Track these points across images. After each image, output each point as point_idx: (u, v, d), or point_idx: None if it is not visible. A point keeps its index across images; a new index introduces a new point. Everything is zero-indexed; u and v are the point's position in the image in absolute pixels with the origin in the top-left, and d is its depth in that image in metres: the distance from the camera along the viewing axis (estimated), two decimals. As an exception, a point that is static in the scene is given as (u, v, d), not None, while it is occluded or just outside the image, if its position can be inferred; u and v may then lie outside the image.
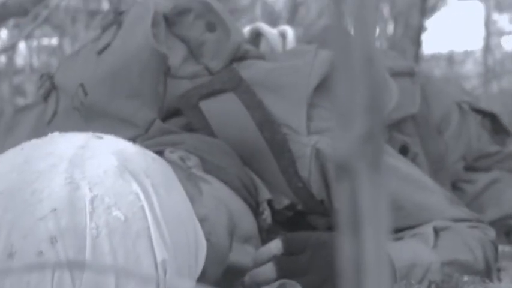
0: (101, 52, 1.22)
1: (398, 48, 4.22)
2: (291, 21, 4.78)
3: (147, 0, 1.26)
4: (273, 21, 5.00)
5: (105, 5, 4.24)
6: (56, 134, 0.91)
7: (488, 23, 5.52)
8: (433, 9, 5.48)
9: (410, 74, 1.49)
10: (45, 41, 4.86)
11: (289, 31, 1.34)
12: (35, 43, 4.64)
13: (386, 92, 1.33)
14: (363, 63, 0.30)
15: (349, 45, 0.35)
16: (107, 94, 1.19)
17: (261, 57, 1.28)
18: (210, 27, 1.24)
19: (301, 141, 1.14)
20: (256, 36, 1.36)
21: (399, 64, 1.50)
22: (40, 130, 1.26)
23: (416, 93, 1.46)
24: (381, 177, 0.25)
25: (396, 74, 1.43)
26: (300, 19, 4.82)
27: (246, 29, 1.36)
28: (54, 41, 4.86)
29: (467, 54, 5.81)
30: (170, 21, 1.24)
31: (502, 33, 6.17)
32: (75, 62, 1.27)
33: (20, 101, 4.14)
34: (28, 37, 2.57)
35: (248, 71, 1.20)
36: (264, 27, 1.34)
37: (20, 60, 4.58)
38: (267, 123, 1.14)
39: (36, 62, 4.73)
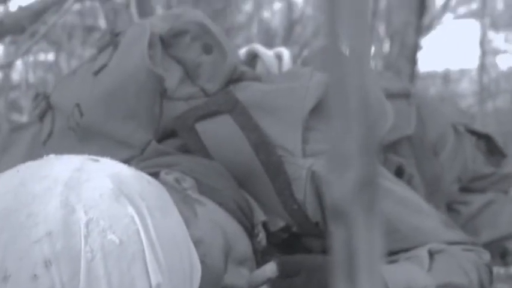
0: (97, 73, 1.22)
1: (394, 67, 4.22)
2: (287, 39, 4.79)
3: (143, 21, 1.27)
4: (269, 39, 5.02)
5: (102, 22, 4.25)
6: (52, 156, 0.91)
7: (483, 42, 5.54)
8: (429, 27, 5.50)
9: (406, 95, 1.49)
10: (42, 57, 4.86)
11: (285, 53, 1.34)
12: (31, 59, 4.64)
13: (382, 113, 1.33)
14: (358, 100, 0.30)
15: (344, 69, 0.35)
16: (103, 115, 1.19)
17: (257, 78, 1.28)
18: (207, 49, 1.24)
19: (297, 164, 1.14)
20: (253, 58, 1.37)
21: (395, 85, 1.51)
22: (35, 150, 1.26)
23: (411, 115, 1.46)
24: (377, 221, 0.25)
25: (392, 96, 1.43)
26: (296, 37, 4.83)
27: (242, 51, 1.36)
28: (50, 56, 4.86)
29: (462, 72, 5.83)
30: (167, 42, 1.24)
31: (497, 52, 6.20)
32: (71, 82, 1.27)
33: (16, 117, 4.14)
34: (23, 52, 2.57)
35: (244, 93, 1.20)
36: (260, 48, 1.35)
37: (15, 75, 4.58)
38: (262, 145, 1.15)
39: (32, 78, 4.73)
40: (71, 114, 1.22)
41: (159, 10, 3.21)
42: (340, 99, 0.30)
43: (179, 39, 1.25)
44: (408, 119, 1.45)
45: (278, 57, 1.36)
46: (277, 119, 1.16)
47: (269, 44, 5.10)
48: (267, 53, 1.35)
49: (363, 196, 0.25)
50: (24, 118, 3.93)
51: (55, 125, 1.26)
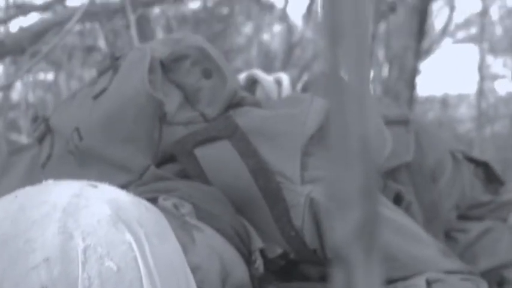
0: (96, 97, 1.22)
1: (393, 91, 4.23)
2: (287, 62, 4.81)
3: (144, 45, 1.27)
4: (269, 62, 5.03)
5: (102, 42, 4.26)
6: (51, 181, 0.91)
7: (482, 66, 5.55)
8: (428, 52, 5.52)
9: (405, 122, 1.50)
10: (41, 76, 4.87)
11: (285, 78, 1.34)
12: (30, 78, 4.65)
13: (381, 140, 1.33)
14: (358, 138, 0.30)
15: (344, 97, 0.35)
16: (102, 139, 1.19)
17: (256, 104, 1.28)
18: (206, 74, 1.25)
19: (295, 190, 1.14)
20: (252, 83, 1.37)
21: (393, 112, 1.51)
22: (34, 173, 1.26)
23: (410, 142, 1.46)
24: (377, 266, 0.25)
25: (390, 122, 1.43)
26: (295, 60, 4.85)
27: (242, 76, 1.37)
28: (50, 76, 4.87)
29: (461, 97, 5.84)
30: (167, 67, 1.25)
31: (496, 77, 6.21)
32: (71, 105, 1.27)
33: (14, 137, 4.14)
34: (24, 73, 2.58)
35: (244, 118, 1.20)
36: (260, 74, 1.35)
37: (15, 95, 4.58)
38: (261, 172, 1.15)
39: (31, 98, 4.74)
40: (70, 138, 1.22)
41: (159, 32, 3.22)
42: (340, 133, 0.30)
43: (179, 64, 1.25)
44: (407, 146, 1.45)
45: (278, 82, 1.36)
46: (276, 145, 1.17)
47: (268, 66, 5.11)
48: (266, 78, 1.36)
49: (363, 240, 0.25)
50: (23, 138, 3.93)
51: (54, 149, 1.26)
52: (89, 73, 4.57)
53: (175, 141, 1.19)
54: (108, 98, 1.21)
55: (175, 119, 1.21)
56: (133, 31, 1.98)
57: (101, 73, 1.26)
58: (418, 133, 1.50)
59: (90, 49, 4.37)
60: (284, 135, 1.17)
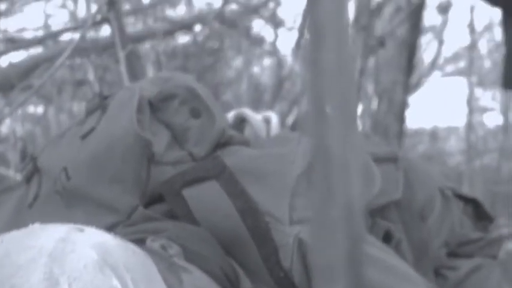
0: (84, 136, 1.22)
1: (382, 125, 4.25)
2: (277, 95, 4.82)
3: (133, 85, 1.27)
4: (259, 95, 5.04)
5: (92, 76, 4.27)
6: (37, 225, 0.90)
7: (471, 100, 5.59)
8: (417, 85, 5.55)
9: (394, 159, 1.50)
10: (31, 110, 4.87)
11: (274, 117, 1.35)
12: (19, 111, 4.64)
13: (370, 178, 1.33)
14: (343, 209, 0.30)
15: (328, 136, 0.35)
16: (90, 179, 1.19)
17: (245, 143, 1.28)
18: (195, 114, 1.25)
19: (284, 231, 1.13)
20: (241, 122, 1.37)
21: (382, 149, 1.51)
22: (21, 213, 1.26)
23: (399, 179, 1.46)
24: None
25: (379, 160, 1.43)
26: (285, 93, 4.86)
27: (230, 114, 1.37)
28: (39, 109, 4.87)
29: (450, 130, 5.86)
30: (155, 106, 1.25)
31: (484, 110, 6.24)
32: (59, 145, 1.27)
33: (2, 171, 4.11)
34: (15, 108, 2.58)
35: (232, 158, 1.20)
36: (248, 112, 1.35)
37: (3, 128, 4.58)
38: (249, 212, 1.14)
39: (20, 131, 4.73)
40: (57, 178, 1.22)
41: (149, 67, 3.23)
42: (324, 199, 0.30)
43: (168, 103, 1.25)
44: (396, 183, 1.45)
45: (266, 121, 1.36)
46: (265, 185, 1.16)
47: (258, 100, 5.12)
48: (255, 117, 1.36)
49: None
50: (11, 172, 3.91)
51: (41, 188, 1.26)
52: (79, 107, 4.57)
53: (164, 182, 1.19)
54: (96, 137, 1.21)
55: (164, 159, 1.21)
56: (123, 67, 1.99)
57: (89, 113, 1.26)
58: (407, 170, 1.50)
59: (80, 83, 4.38)
60: (272, 175, 1.17)
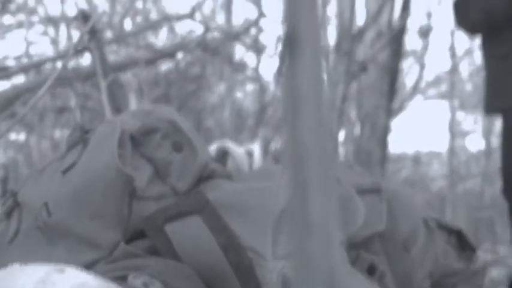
0: (65, 171, 1.21)
1: (365, 150, 4.25)
2: (259, 120, 4.82)
3: (114, 119, 1.26)
4: (242, 120, 5.04)
5: (73, 102, 4.25)
6: (16, 266, 0.89)
7: (452, 124, 5.61)
8: (399, 109, 5.57)
9: (377, 190, 1.49)
10: (13, 137, 4.84)
11: (256, 149, 1.34)
12: (1, 139, 4.61)
13: (353, 210, 1.33)
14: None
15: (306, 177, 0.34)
16: (71, 214, 1.18)
17: (228, 176, 1.27)
18: (177, 147, 1.24)
19: (267, 267, 1.12)
20: (223, 155, 1.36)
21: (365, 180, 1.51)
22: (1, 249, 1.24)
23: (383, 210, 1.46)
24: None
25: (362, 192, 1.43)
26: (268, 118, 4.87)
27: (213, 147, 1.36)
28: (21, 136, 4.84)
29: (433, 154, 5.88)
30: (137, 140, 1.24)
31: (466, 133, 6.27)
32: (40, 180, 1.26)
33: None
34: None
35: (215, 192, 1.19)
36: (231, 145, 1.35)
37: (-15, 155, 4.55)
38: (232, 247, 1.13)
39: (2, 158, 4.70)
40: (38, 213, 1.20)
41: (132, 96, 3.21)
42: (303, 272, 0.29)
43: (149, 138, 1.24)
44: (379, 214, 1.45)
45: (249, 154, 1.36)
46: (248, 220, 1.15)
47: (241, 125, 5.12)
48: (237, 150, 1.35)
49: None
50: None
51: (22, 224, 1.24)
52: (60, 133, 4.55)
53: (146, 217, 1.18)
54: (78, 172, 1.20)
55: (146, 194, 1.20)
56: (105, 97, 1.98)
57: (70, 147, 1.25)
58: (390, 201, 1.50)
59: (62, 110, 4.36)
60: (255, 209, 1.16)
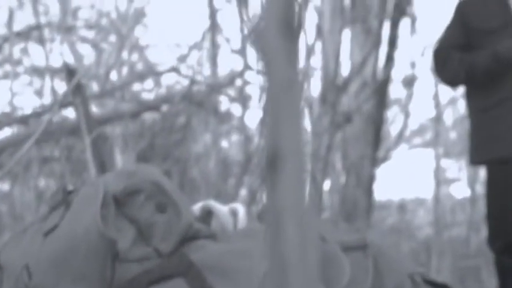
0: (47, 233, 1.20)
1: (351, 200, 4.25)
2: (245, 170, 4.81)
3: (97, 180, 1.25)
4: (227, 169, 5.03)
5: (57, 153, 4.24)
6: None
7: (437, 171, 5.63)
8: (384, 158, 5.58)
9: (363, 247, 1.48)
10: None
11: (240, 209, 1.33)
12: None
13: (338, 268, 1.32)
14: None
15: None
16: (52, 277, 1.16)
17: (212, 236, 1.26)
18: (161, 208, 1.23)
19: None
20: (208, 214, 1.35)
21: (351, 237, 1.50)
22: (-18, 313, 1.22)
23: (368, 267, 1.45)
24: None
25: (348, 249, 1.42)
26: (253, 168, 4.86)
27: (197, 206, 1.35)
28: (5, 186, 4.82)
29: (418, 202, 5.88)
30: (120, 202, 1.23)
31: (451, 181, 6.29)
32: (21, 242, 1.24)
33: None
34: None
35: (199, 254, 1.18)
36: (215, 205, 1.34)
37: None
38: None
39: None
40: (19, 276, 1.19)
41: (117, 149, 3.20)
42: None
43: (133, 199, 1.23)
44: (365, 271, 1.44)
45: (233, 213, 1.35)
46: (232, 282, 1.14)
47: (227, 174, 5.11)
48: (221, 210, 1.34)
49: None
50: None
51: (3, 286, 1.23)
52: (45, 183, 4.53)
53: (129, 280, 1.16)
54: (60, 235, 1.19)
55: (129, 256, 1.19)
56: (89, 154, 1.97)
57: (52, 208, 1.24)
58: (376, 257, 1.49)
59: (46, 160, 4.35)
60: (240, 272, 1.15)
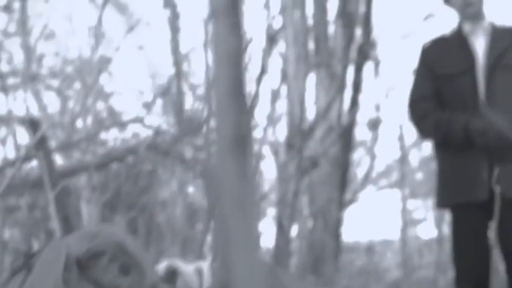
0: (8, 301, 1.18)
1: (319, 244, 4.24)
2: (211, 214, 4.79)
3: (59, 243, 1.24)
4: (193, 214, 5.00)
5: (23, 202, 4.19)
6: None
7: (404, 212, 5.65)
8: (351, 200, 5.59)
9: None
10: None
11: (206, 267, 1.32)
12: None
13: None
14: None
15: None
16: None
17: (177, 297, 1.25)
18: (124, 270, 1.22)
19: None
20: (172, 274, 1.34)
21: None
22: None
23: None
24: None
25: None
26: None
27: (162, 266, 1.34)
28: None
29: (386, 243, 5.89)
30: (83, 264, 1.21)
31: (418, 221, 6.31)
32: (-18, 308, 1.22)
33: None
34: None
35: None
36: (180, 264, 1.32)
37: None
38: None
39: None
40: None
41: (83, 201, 3.17)
42: None
43: (96, 261, 1.22)
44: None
45: (198, 272, 1.34)
46: None
47: (193, 219, 5.07)
48: (186, 269, 1.33)
49: None
50: None
51: None
52: (10, 234, 4.46)
53: None
54: (21, 301, 1.16)
55: None
56: (52, 209, 1.94)
57: (13, 273, 1.22)
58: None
59: (11, 209, 4.29)
60: None
